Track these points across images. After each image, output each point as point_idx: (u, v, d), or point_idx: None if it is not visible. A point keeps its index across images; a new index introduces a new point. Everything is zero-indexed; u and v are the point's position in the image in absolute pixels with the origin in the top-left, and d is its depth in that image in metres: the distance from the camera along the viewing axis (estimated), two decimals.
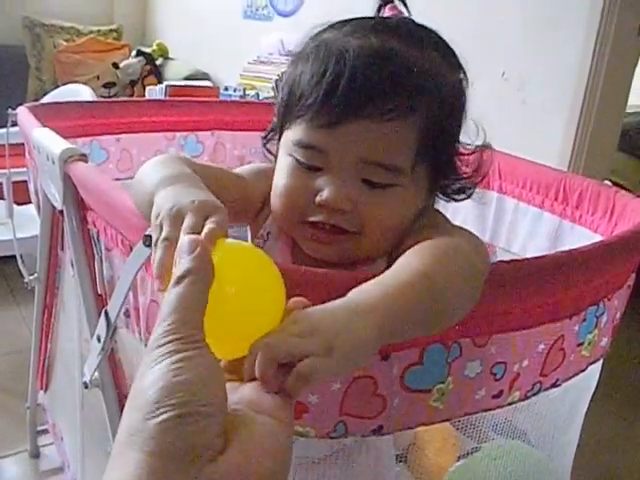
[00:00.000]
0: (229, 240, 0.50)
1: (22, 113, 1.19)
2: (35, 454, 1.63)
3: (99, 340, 0.78)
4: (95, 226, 0.86)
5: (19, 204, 2.14)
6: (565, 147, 1.56)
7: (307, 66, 0.73)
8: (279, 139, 0.80)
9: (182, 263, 0.45)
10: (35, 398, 1.53)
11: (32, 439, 1.61)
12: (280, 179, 0.76)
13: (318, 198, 0.71)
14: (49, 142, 0.92)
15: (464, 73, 0.82)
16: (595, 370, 0.95)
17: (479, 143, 1.35)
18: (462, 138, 1.36)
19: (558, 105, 1.59)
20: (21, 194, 1.49)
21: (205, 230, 0.50)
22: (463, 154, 0.86)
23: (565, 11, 1.56)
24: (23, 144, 1.44)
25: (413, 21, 0.81)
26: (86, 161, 0.86)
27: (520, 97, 1.68)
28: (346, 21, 0.78)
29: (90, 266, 0.89)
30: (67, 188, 0.87)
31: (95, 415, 1.20)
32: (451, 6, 1.82)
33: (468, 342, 0.67)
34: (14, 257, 2.39)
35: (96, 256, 0.86)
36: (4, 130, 2.17)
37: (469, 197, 0.87)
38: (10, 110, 1.22)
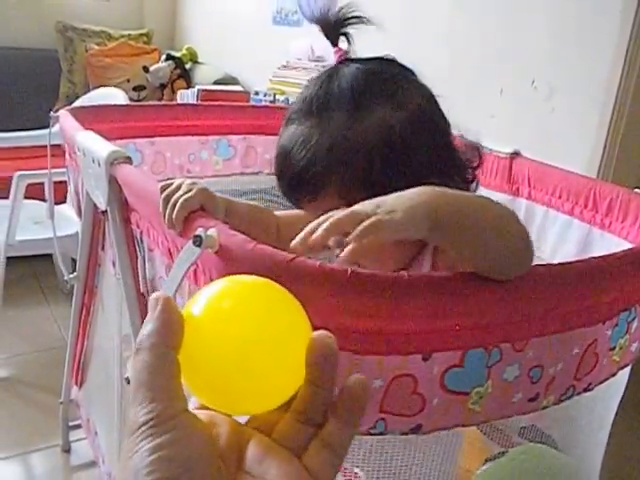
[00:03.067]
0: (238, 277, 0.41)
1: (64, 116, 1.23)
2: (67, 449, 1.66)
3: None
4: (138, 227, 0.88)
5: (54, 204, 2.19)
6: (594, 155, 1.57)
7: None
8: None
9: (144, 325, 0.38)
10: (68, 394, 1.56)
11: (64, 434, 1.64)
12: None
13: None
14: (94, 145, 0.95)
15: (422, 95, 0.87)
16: (624, 375, 0.96)
17: (509, 151, 1.38)
18: (491, 144, 1.38)
19: (587, 114, 1.59)
20: (55, 194, 1.52)
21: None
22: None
23: (596, 20, 1.57)
24: (59, 145, 1.48)
25: (356, 75, 0.84)
26: (131, 163, 0.89)
27: (549, 106, 1.69)
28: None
29: (133, 265, 0.92)
30: (112, 189, 0.90)
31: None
32: (481, 16, 1.83)
33: (508, 347, 0.68)
34: (45, 257, 2.46)
35: (139, 256, 0.89)
36: (39, 132, 2.24)
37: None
38: (52, 113, 1.25)
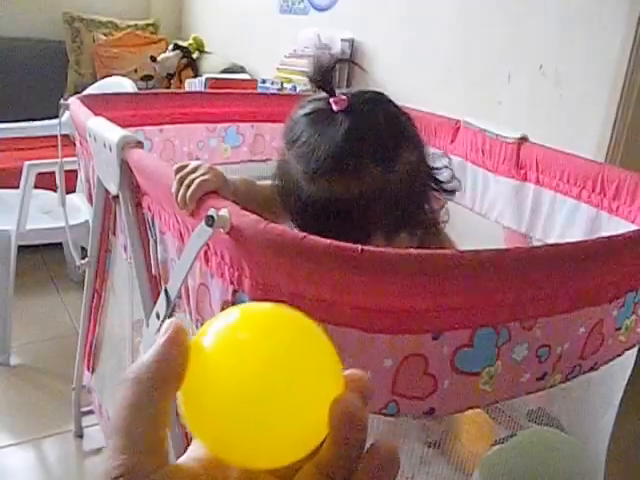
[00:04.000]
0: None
1: (74, 103, 1.23)
2: (79, 434, 1.68)
3: (158, 317, 0.81)
4: (150, 210, 0.90)
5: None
6: (602, 141, 1.57)
7: None
8: None
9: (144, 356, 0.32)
10: (80, 380, 1.58)
11: (77, 419, 1.66)
12: None
13: None
14: (105, 130, 0.96)
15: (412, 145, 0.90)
16: (631, 356, 0.97)
17: (517, 136, 1.38)
18: (500, 132, 1.39)
19: (596, 99, 1.59)
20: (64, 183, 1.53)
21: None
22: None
23: (604, 3, 1.57)
24: (67, 135, 1.49)
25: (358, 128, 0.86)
26: (142, 147, 0.90)
27: (557, 92, 1.68)
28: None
29: (144, 249, 0.93)
30: (124, 174, 0.92)
31: None
32: (489, 3, 1.83)
33: (517, 326, 0.69)
34: (54, 246, 2.48)
35: (150, 239, 0.90)
36: (48, 122, 2.25)
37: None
38: (62, 100, 1.26)
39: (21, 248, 1.95)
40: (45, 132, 2.27)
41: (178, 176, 0.75)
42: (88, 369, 1.50)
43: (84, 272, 1.39)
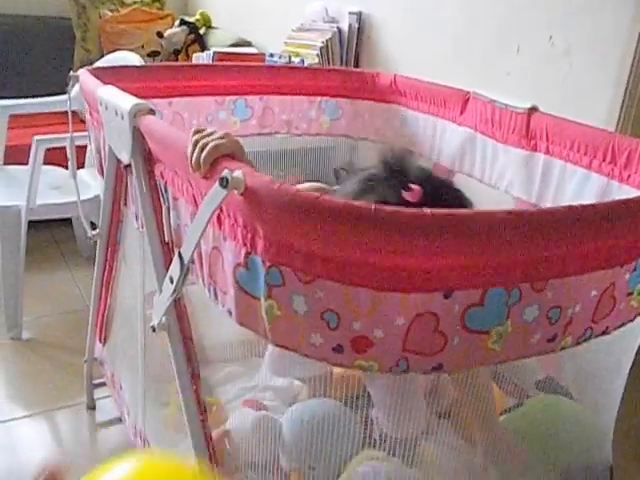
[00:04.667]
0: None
1: (83, 74, 1.24)
2: (92, 406, 1.70)
3: (172, 281, 0.82)
4: (163, 177, 0.90)
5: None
6: (612, 110, 1.56)
7: None
8: None
9: None
10: (92, 352, 1.60)
11: (89, 391, 1.68)
12: None
13: None
14: (117, 98, 0.96)
15: None
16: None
17: (527, 106, 1.37)
18: (510, 102, 1.38)
19: (606, 68, 1.58)
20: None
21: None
22: None
23: None
24: (74, 112, 1.49)
25: None
26: (154, 114, 0.91)
27: (567, 61, 1.67)
28: None
29: (157, 216, 0.93)
30: (136, 141, 0.92)
31: (154, 362, 1.27)
32: None
33: (527, 287, 0.70)
34: (64, 223, 2.50)
35: (163, 206, 0.91)
36: (56, 98, 2.26)
37: None
38: (72, 72, 1.26)
39: (31, 225, 1.96)
40: (54, 108, 2.27)
41: (194, 139, 0.76)
42: (100, 340, 1.52)
43: (94, 245, 1.40)
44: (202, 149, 0.74)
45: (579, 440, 1.13)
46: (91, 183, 2.11)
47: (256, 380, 1.49)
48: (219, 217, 0.73)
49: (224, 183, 0.64)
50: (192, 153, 0.75)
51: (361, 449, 1.17)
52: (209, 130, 0.78)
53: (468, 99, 1.49)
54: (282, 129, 1.69)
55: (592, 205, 0.71)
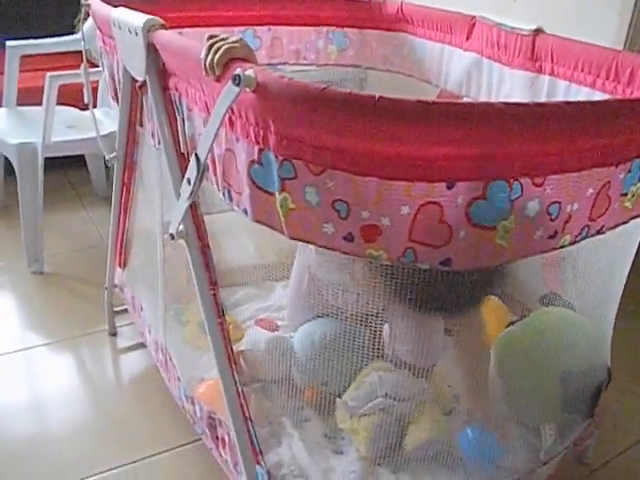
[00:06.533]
0: None
1: (95, 2, 1.26)
2: (113, 332, 1.77)
3: (189, 183, 0.87)
4: (177, 90, 0.94)
5: (82, 109, 2.25)
6: (620, 31, 1.56)
7: None
8: None
9: None
10: (112, 278, 1.66)
11: (110, 318, 1.75)
12: None
13: None
14: (130, 17, 0.99)
15: None
16: (637, 226, 1.01)
17: (532, 28, 1.38)
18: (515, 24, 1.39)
19: None
20: (84, 101, 1.57)
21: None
22: None
23: None
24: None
25: None
26: (166, 29, 0.94)
27: None
28: None
29: (172, 130, 0.97)
30: (150, 56, 0.95)
31: (174, 283, 1.32)
32: None
33: (528, 182, 0.73)
34: (78, 165, 2.54)
35: (178, 118, 0.94)
36: (66, 38, 2.27)
37: None
38: (83, 0, 1.29)
39: (47, 167, 1.99)
40: (65, 48, 2.29)
41: (208, 43, 0.79)
42: (120, 265, 1.57)
43: (109, 185, 1.43)
44: (216, 52, 0.77)
45: (579, 346, 1.18)
46: (104, 121, 2.15)
47: (271, 300, 1.56)
48: (231, 119, 0.77)
49: (237, 81, 0.68)
50: (206, 56, 0.78)
51: (371, 361, 1.23)
52: (223, 35, 0.81)
53: (474, 24, 1.50)
54: (291, 59, 1.71)
55: (586, 102, 0.74)
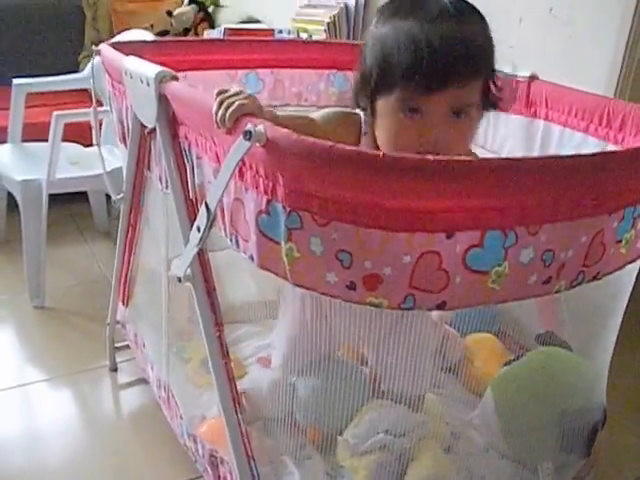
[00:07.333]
0: None
1: (105, 49, 1.30)
2: (114, 368, 1.78)
3: (199, 230, 0.90)
4: (187, 138, 0.97)
5: (85, 146, 2.30)
6: (611, 78, 1.61)
7: (401, 52, 0.94)
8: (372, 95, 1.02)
9: None
10: (115, 315, 1.68)
11: (111, 353, 1.76)
12: (392, 130, 1.00)
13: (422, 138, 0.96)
14: (142, 67, 1.03)
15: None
16: (632, 271, 1.04)
17: (527, 74, 1.43)
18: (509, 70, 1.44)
19: (605, 38, 1.63)
20: (87, 138, 1.61)
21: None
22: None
23: None
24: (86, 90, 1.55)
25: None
26: (177, 80, 0.98)
27: (567, 32, 1.73)
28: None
29: (181, 174, 1.01)
30: (161, 106, 0.99)
31: (176, 321, 1.34)
32: None
33: (523, 230, 0.76)
34: (81, 201, 2.57)
35: (187, 165, 0.98)
36: (72, 76, 2.33)
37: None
38: (93, 47, 1.33)
39: (50, 202, 2.02)
40: (70, 86, 2.34)
41: (219, 98, 0.83)
42: (123, 302, 1.59)
43: (111, 221, 1.46)
44: (228, 107, 0.81)
45: (576, 385, 1.21)
46: (108, 158, 2.18)
47: (270, 338, 1.57)
48: (241, 170, 0.80)
49: (248, 136, 0.71)
50: (217, 111, 0.82)
51: (370, 400, 1.25)
52: (232, 90, 0.85)
53: None
54: (292, 101, 1.75)
55: (579, 155, 0.78)
